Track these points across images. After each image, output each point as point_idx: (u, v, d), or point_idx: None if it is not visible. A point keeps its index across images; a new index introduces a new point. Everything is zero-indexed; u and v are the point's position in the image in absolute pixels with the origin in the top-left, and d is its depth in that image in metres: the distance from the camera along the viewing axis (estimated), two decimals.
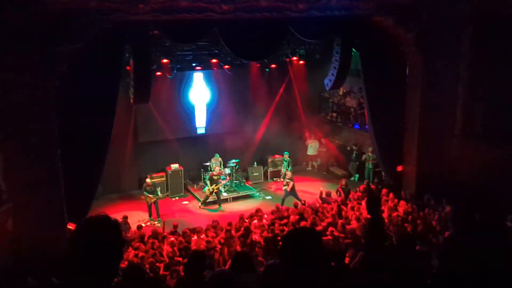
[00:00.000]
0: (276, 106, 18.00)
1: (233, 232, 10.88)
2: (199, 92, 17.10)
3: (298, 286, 2.27)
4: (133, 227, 12.40)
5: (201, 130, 17.30)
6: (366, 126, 16.07)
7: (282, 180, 16.76)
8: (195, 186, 16.97)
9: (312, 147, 18.77)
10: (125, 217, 12.52)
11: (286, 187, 15.00)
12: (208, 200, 15.45)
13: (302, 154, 19.19)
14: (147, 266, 8.92)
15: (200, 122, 17.31)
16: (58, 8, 9.01)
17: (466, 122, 13.46)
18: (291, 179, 15.05)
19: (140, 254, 9.61)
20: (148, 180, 14.81)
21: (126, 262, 8.29)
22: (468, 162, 12.56)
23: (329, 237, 9.85)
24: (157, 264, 9.35)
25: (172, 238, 10.71)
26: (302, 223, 11.26)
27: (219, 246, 10.36)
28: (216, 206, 15.46)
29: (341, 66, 13.12)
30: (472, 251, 4.45)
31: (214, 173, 15.35)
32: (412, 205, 12.07)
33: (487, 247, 5.03)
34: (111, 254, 2.07)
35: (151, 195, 14.41)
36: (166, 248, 10.34)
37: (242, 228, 11.07)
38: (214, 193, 15.27)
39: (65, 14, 9.16)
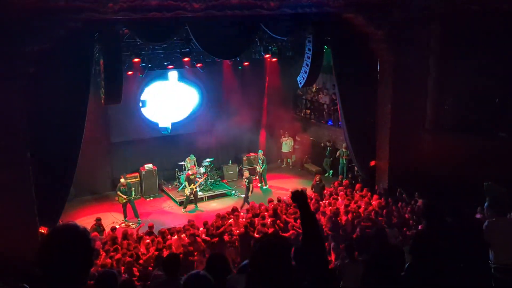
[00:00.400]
0: (250, 104, 17.99)
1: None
2: (172, 91, 16.97)
3: None
4: (107, 229, 12.23)
5: (164, 131, 17.10)
6: (339, 122, 16.24)
7: (257, 178, 16.85)
8: (169, 186, 16.84)
9: (287, 144, 18.87)
10: (99, 219, 12.33)
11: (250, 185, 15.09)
12: (182, 200, 15.38)
13: (277, 151, 19.29)
14: (123, 268, 8.82)
15: (169, 120, 17.11)
16: (25, 7, 8.79)
17: (436, 116, 13.77)
18: (248, 179, 15.10)
19: (116, 256, 9.50)
20: (122, 180, 14.63)
21: (100, 268, 8.20)
22: (439, 155, 12.83)
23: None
24: (135, 265, 9.25)
25: (148, 240, 10.60)
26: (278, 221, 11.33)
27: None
28: (192, 206, 15.37)
29: (313, 63, 13.22)
30: (443, 244, 4.57)
31: (190, 172, 15.25)
32: (386, 199, 12.26)
33: (457, 240, 5.16)
34: (80, 262, 2.08)
35: (124, 195, 14.23)
36: (142, 249, 10.25)
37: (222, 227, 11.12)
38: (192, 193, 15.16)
39: (32, 13, 8.94)
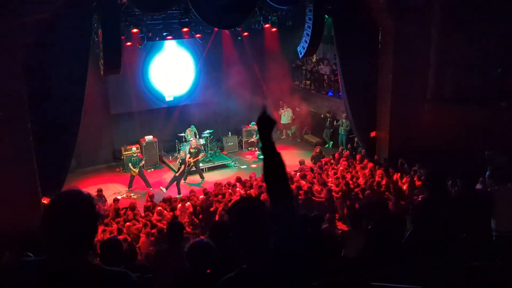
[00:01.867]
0: (249, 75, 17.85)
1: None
2: (171, 62, 16.84)
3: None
4: (109, 200, 12.33)
5: (169, 99, 17.05)
6: (340, 93, 16.16)
7: (255, 149, 16.90)
8: (170, 157, 16.89)
9: (286, 116, 18.83)
10: (100, 190, 12.40)
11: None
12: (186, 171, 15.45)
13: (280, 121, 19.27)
14: (129, 238, 8.88)
15: (171, 91, 17.04)
16: None
17: (437, 86, 13.69)
18: (183, 161, 14.54)
19: (126, 224, 9.65)
20: (134, 148, 14.67)
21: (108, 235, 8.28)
22: (440, 126, 12.83)
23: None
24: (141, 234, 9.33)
25: (159, 208, 10.70)
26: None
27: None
28: (198, 179, 15.40)
29: (313, 33, 13.04)
30: (444, 213, 4.61)
31: (193, 145, 15.19)
32: (386, 170, 12.31)
33: (458, 210, 5.20)
34: (84, 228, 2.04)
35: (134, 167, 14.24)
36: (154, 217, 10.34)
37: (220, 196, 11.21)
38: (192, 165, 15.14)
39: None
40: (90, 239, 2.10)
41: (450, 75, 13.79)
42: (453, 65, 13.53)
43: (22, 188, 9.41)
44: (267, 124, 2.46)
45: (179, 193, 13.78)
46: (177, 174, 14.39)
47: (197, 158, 15.04)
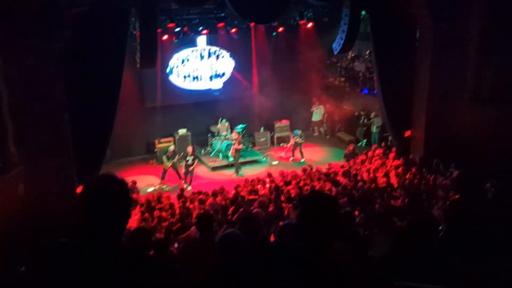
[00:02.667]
0: (283, 71, 17.79)
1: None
2: (204, 56, 16.97)
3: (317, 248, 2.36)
4: (142, 192, 12.57)
5: (216, 86, 17.24)
6: (375, 91, 15.91)
7: (290, 148, 16.81)
8: (202, 151, 17.04)
9: (318, 113, 18.65)
10: (134, 182, 12.65)
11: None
12: (219, 166, 15.59)
13: (309, 119, 19.15)
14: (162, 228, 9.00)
15: (206, 86, 17.19)
16: None
17: (476, 86, 13.29)
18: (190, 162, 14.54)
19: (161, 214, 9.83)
20: (171, 147, 14.91)
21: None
22: (478, 126, 12.46)
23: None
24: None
25: (201, 196, 10.85)
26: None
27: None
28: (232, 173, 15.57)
29: (350, 29, 12.86)
30: (479, 214, 4.48)
31: (235, 141, 15.40)
32: (421, 170, 12.07)
33: (494, 212, 5.05)
34: (118, 212, 2.09)
35: (168, 163, 14.45)
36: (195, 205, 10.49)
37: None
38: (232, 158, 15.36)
39: None
40: (123, 222, 2.15)
41: (489, 74, 13.36)
42: (492, 65, 13.10)
43: (60, 177, 9.69)
44: None
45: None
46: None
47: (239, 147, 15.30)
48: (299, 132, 16.61)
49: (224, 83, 17.43)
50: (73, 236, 2.13)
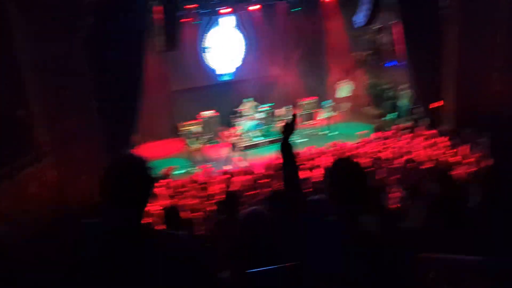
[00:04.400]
0: (307, 47, 17.51)
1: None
2: (227, 37, 16.86)
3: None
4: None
5: (226, 77, 17.14)
6: (402, 63, 15.52)
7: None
8: (227, 132, 17.09)
9: (345, 89, 18.32)
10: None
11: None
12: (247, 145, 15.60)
13: (334, 95, 18.85)
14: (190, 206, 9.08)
15: (226, 69, 17.09)
16: None
17: (508, 53, 12.78)
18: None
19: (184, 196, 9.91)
20: (194, 127, 14.98)
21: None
22: (510, 95, 12.03)
23: None
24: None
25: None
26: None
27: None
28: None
29: (373, 0, 12.52)
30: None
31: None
32: (453, 140, 11.79)
33: None
34: (139, 190, 2.10)
35: (194, 143, 14.53)
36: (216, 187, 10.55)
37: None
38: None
39: None
40: (145, 201, 2.15)
41: None
42: None
43: (89, 163, 9.84)
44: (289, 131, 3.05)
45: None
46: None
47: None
48: (328, 103, 16.47)
49: (247, 62, 17.31)
50: (96, 215, 2.16)
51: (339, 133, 16.36)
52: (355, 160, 2.63)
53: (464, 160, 10.25)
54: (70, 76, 9.45)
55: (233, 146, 15.88)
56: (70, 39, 9.31)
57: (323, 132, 16.52)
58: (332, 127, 16.60)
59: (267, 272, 2.88)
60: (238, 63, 17.30)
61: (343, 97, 18.52)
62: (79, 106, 9.64)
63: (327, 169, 2.54)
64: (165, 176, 12.30)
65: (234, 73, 17.23)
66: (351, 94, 18.43)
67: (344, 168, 2.42)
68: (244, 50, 17.26)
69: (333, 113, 16.32)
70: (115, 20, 10.03)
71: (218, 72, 16.99)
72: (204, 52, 16.55)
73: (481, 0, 12.09)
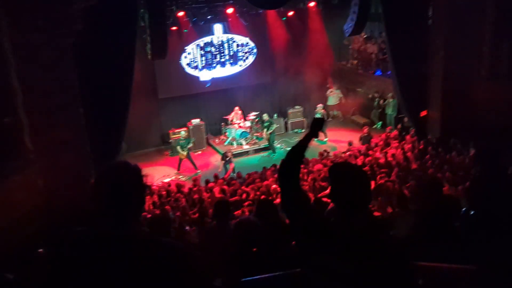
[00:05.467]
0: (295, 55, 17.66)
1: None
2: (217, 45, 16.89)
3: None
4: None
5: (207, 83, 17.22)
6: (388, 72, 15.71)
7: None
8: (216, 140, 17.08)
9: (334, 97, 18.46)
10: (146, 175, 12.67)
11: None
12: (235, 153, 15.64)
13: (323, 103, 18.99)
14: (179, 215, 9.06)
15: (206, 76, 17.14)
16: None
17: (492, 63, 13.03)
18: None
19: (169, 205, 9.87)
20: (182, 132, 14.95)
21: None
22: (495, 104, 12.24)
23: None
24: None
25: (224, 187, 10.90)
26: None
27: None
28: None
29: (361, 10, 12.67)
30: (499, 191, 4.39)
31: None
32: (438, 150, 11.93)
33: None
34: (132, 198, 2.09)
35: (182, 150, 14.46)
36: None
37: None
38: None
39: None
40: (138, 208, 2.15)
41: (505, 50, 13.08)
42: (509, 39, 12.82)
43: (76, 171, 9.76)
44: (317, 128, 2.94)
45: None
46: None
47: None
48: (320, 107, 16.60)
49: (237, 70, 17.36)
50: (91, 225, 2.13)
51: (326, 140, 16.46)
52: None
53: (450, 169, 10.40)
54: (58, 83, 9.38)
55: (221, 154, 15.89)
56: (59, 45, 9.26)
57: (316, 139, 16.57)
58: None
59: (260, 280, 2.88)
60: (227, 71, 17.32)
61: (333, 105, 18.63)
62: (67, 113, 9.57)
63: (333, 171, 2.55)
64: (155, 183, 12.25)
65: (222, 81, 17.25)
66: (339, 102, 18.56)
67: (347, 171, 2.46)
68: (232, 59, 17.30)
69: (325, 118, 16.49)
70: (104, 27, 9.99)
71: (201, 79, 17.02)
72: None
73: (465, 11, 12.32)
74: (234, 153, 15.47)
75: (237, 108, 16.84)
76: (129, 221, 2.09)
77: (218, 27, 16.36)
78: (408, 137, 13.49)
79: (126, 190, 2.07)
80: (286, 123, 18.09)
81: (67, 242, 2.15)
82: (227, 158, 14.17)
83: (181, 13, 13.35)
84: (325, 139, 16.42)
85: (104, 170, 2.16)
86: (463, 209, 4.30)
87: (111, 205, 2.06)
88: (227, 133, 16.63)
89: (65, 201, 9.25)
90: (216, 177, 12.20)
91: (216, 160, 15.82)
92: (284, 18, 16.88)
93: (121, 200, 2.05)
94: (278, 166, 3.05)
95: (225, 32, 16.63)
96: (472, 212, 4.10)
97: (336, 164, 2.58)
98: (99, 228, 2.07)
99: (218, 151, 16.33)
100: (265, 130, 15.73)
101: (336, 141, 15.89)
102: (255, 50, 17.25)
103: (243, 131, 16.16)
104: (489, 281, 3.01)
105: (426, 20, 13.28)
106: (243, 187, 10.71)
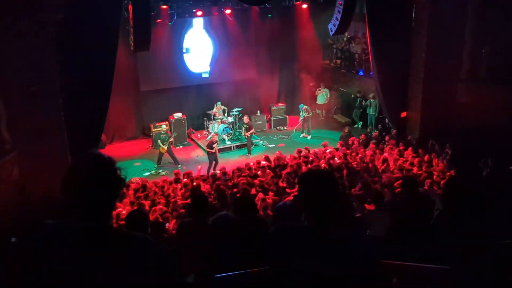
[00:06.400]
0: (280, 53, 17.67)
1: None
2: (200, 39, 16.81)
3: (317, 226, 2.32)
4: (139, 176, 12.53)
5: (205, 75, 17.16)
6: (371, 73, 15.83)
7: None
8: (198, 135, 17.00)
9: (323, 96, 18.46)
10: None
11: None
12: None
13: (309, 102, 18.97)
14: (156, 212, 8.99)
15: (203, 67, 17.09)
16: None
17: (472, 66, 13.24)
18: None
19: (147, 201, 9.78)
20: (164, 126, 14.83)
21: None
22: (474, 106, 12.44)
23: None
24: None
25: (186, 180, 10.79)
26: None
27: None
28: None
29: (345, 9, 12.73)
30: (474, 192, 4.46)
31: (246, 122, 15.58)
32: (417, 151, 12.07)
33: (491, 189, 5.04)
34: (104, 191, 2.03)
35: (163, 144, 14.31)
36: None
37: None
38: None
39: None
40: (111, 202, 2.10)
41: (485, 54, 13.31)
42: (489, 44, 13.04)
43: (54, 162, 9.63)
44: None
45: None
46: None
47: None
48: (304, 106, 16.65)
49: (219, 65, 17.29)
50: (64, 218, 2.08)
51: (311, 138, 16.56)
52: (323, 167, 2.65)
53: (428, 169, 10.54)
54: (38, 73, 9.23)
55: (203, 148, 15.82)
56: (39, 34, 9.10)
57: (302, 136, 16.73)
58: (311, 132, 16.83)
59: (234, 277, 2.87)
60: (210, 66, 17.25)
61: (323, 104, 18.60)
62: (46, 103, 9.43)
63: (300, 176, 2.56)
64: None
65: (206, 76, 17.19)
66: (328, 101, 18.56)
67: (316, 176, 2.44)
68: (213, 53, 17.22)
69: (308, 115, 16.53)
70: (87, 17, 9.81)
71: (195, 71, 16.93)
72: (175, 53, 16.48)
73: (447, 13, 12.49)
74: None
75: (219, 103, 16.78)
76: (100, 214, 2.04)
77: (198, 22, 16.25)
78: (387, 137, 13.61)
79: (96, 182, 2.01)
80: (269, 119, 18.08)
81: (38, 234, 2.10)
82: (213, 145, 14.00)
83: (165, 6, 13.22)
84: (309, 137, 16.54)
85: (75, 161, 2.10)
86: (438, 209, 4.35)
87: (80, 197, 2.01)
88: (209, 128, 16.56)
89: (41, 192, 9.13)
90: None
91: (197, 155, 15.75)
92: (270, 15, 16.85)
93: (90, 193, 2.00)
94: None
95: (206, 27, 16.55)
96: (446, 213, 4.15)
97: (303, 175, 2.56)
98: (70, 221, 2.03)
99: (200, 146, 16.25)
100: (243, 129, 15.68)
101: (319, 139, 16.01)
102: None
103: (226, 127, 16.11)
104: (462, 282, 3.05)
105: (410, 22, 13.41)
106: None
